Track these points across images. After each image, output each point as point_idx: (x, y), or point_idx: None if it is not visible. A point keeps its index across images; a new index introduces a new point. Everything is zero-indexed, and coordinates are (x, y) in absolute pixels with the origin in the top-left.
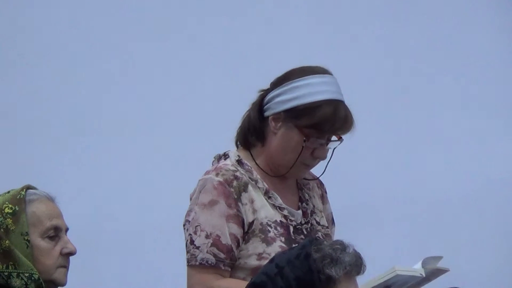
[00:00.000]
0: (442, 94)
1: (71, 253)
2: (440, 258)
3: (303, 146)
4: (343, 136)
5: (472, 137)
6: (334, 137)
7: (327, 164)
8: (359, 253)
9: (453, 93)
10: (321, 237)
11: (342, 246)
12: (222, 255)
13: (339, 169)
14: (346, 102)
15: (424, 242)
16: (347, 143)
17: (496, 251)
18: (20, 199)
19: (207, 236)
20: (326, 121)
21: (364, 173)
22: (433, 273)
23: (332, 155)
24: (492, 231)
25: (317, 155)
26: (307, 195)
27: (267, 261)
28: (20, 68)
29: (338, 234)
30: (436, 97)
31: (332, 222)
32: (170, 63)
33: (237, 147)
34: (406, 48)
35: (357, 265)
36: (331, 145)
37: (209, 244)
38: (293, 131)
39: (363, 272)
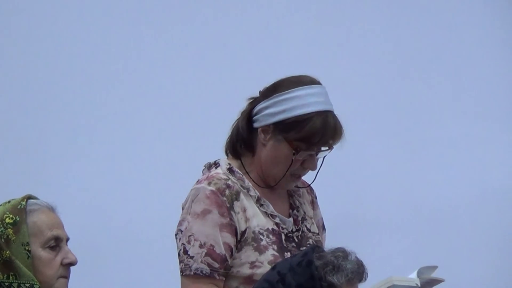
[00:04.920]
0: (443, 101)
1: (72, 264)
2: (435, 267)
3: (292, 159)
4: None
5: (474, 144)
6: (324, 147)
7: (317, 172)
8: (361, 260)
9: (454, 99)
10: (312, 244)
11: (344, 254)
12: (216, 265)
13: (339, 176)
14: (346, 109)
15: (422, 250)
16: (344, 151)
17: (493, 259)
18: (21, 209)
19: (201, 246)
20: (315, 134)
21: (363, 180)
22: (429, 283)
23: (322, 163)
24: (491, 239)
25: (307, 166)
26: (297, 202)
27: (260, 269)
28: (24, 73)
29: (336, 241)
30: (438, 104)
31: (323, 228)
32: (165, 70)
33: (227, 156)
34: (408, 54)
35: (359, 273)
36: (321, 155)
37: (203, 254)
38: (282, 144)
39: (365, 279)
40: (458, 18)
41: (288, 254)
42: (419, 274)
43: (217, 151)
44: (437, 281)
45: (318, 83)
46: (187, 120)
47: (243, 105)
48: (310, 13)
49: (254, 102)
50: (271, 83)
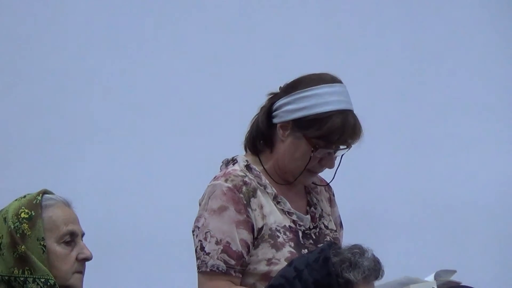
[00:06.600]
0: (453, 100)
1: (87, 259)
2: (453, 272)
3: (311, 156)
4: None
5: (486, 142)
6: (342, 145)
7: (336, 170)
8: (377, 258)
9: (464, 98)
10: (329, 241)
11: (360, 251)
12: (232, 262)
13: (351, 174)
14: (357, 108)
15: (438, 247)
16: (359, 149)
17: (507, 260)
18: (36, 204)
19: (217, 243)
20: (334, 133)
21: (380, 179)
22: (445, 284)
23: (340, 161)
24: (504, 239)
25: (325, 164)
26: (315, 199)
27: (276, 266)
28: (30, 74)
29: (350, 239)
30: (448, 103)
31: (340, 225)
32: (180, 65)
33: (246, 151)
34: (417, 54)
35: (375, 270)
36: (339, 153)
37: (220, 251)
38: (301, 141)
39: (381, 277)
40: (463, 19)
41: (305, 251)
42: (436, 276)
43: (234, 147)
44: (454, 283)
45: (339, 81)
46: (203, 116)
47: (259, 102)
48: (323, 11)
49: (274, 97)
50: (291, 80)
